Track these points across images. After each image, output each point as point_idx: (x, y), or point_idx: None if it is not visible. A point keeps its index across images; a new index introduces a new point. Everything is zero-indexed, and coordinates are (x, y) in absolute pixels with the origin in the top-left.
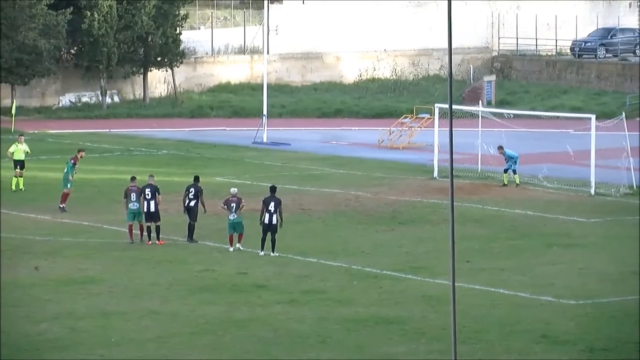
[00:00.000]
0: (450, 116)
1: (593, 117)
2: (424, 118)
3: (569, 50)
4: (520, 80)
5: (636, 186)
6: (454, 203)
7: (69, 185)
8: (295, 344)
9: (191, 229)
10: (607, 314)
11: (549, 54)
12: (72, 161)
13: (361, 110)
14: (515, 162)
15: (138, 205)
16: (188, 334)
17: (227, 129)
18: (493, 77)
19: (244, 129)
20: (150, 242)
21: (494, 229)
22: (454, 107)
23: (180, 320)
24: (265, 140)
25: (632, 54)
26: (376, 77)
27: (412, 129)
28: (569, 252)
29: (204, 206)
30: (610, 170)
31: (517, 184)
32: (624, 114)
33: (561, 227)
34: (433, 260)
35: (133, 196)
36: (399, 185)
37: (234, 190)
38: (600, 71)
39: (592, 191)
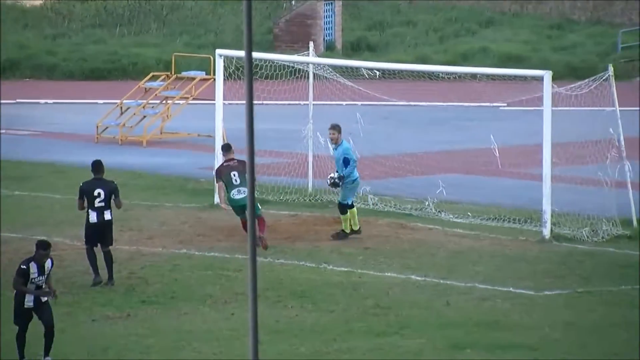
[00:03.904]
0: (248, 76)
1: (547, 74)
2: (194, 79)
3: None
4: None
5: (637, 220)
6: (257, 258)
7: None
8: None
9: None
10: None
11: None
12: None
13: (55, 63)
14: (353, 181)
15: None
16: None
17: None
18: None
19: None
20: None
21: (343, 309)
22: (257, 55)
23: None
24: None
25: None
26: None
27: (168, 103)
28: None
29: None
30: (580, 186)
31: (358, 229)
32: (610, 68)
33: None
34: None
35: (235, 177)
36: (142, 223)
37: None
38: None
39: (546, 231)
